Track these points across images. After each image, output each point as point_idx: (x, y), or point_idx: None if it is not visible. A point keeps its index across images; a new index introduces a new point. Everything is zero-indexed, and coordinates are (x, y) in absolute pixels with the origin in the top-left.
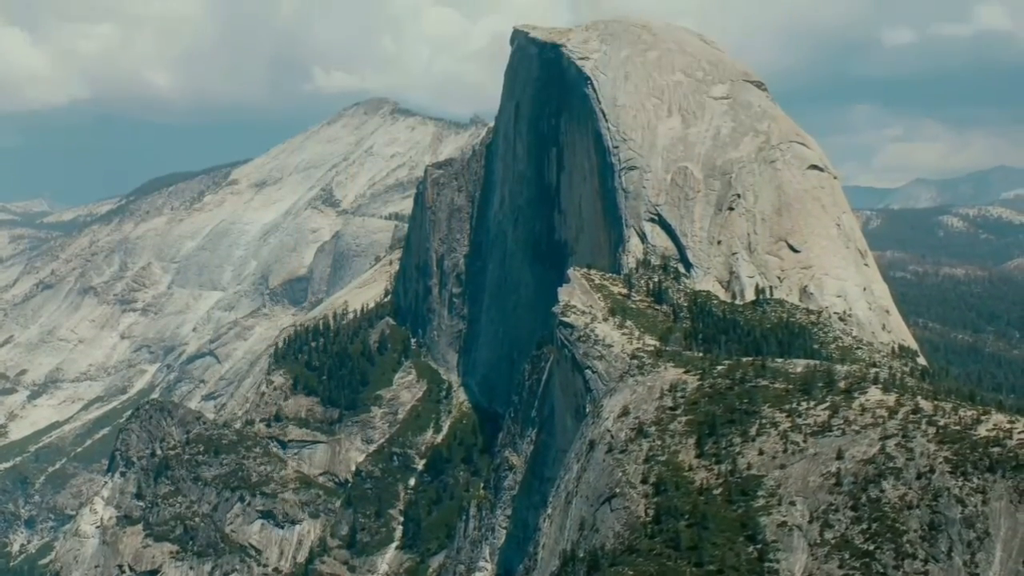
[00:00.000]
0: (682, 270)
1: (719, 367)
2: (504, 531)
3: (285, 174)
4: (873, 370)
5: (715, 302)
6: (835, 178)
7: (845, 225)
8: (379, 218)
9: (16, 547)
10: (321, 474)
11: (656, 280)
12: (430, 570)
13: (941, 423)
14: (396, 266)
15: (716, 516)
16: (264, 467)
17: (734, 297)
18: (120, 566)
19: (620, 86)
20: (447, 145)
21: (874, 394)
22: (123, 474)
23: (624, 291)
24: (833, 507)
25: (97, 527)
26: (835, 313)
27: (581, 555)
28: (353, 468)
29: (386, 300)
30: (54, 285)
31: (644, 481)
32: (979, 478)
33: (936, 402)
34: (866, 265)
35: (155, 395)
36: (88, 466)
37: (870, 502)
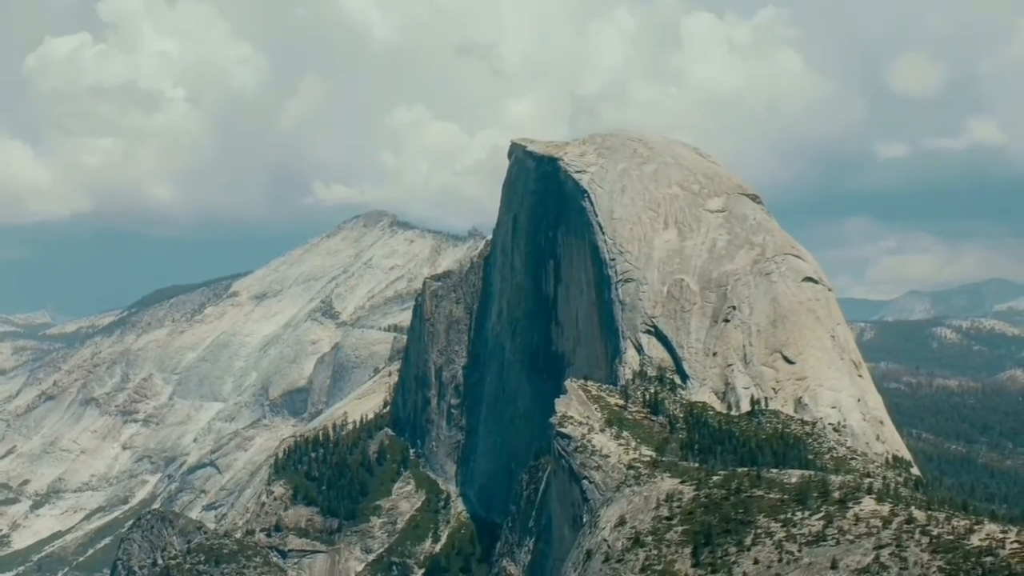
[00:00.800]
0: (678, 381)
1: (715, 477)
2: None
3: (285, 286)
4: (867, 480)
5: (711, 413)
6: (830, 290)
7: (840, 337)
8: (378, 330)
9: None
10: None
11: (652, 391)
12: None
13: (935, 533)
14: (395, 377)
15: None
16: None
17: (730, 408)
18: None
19: (617, 199)
20: (445, 257)
21: (868, 504)
22: None
23: (621, 402)
24: None
25: None
26: (830, 424)
27: None
28: None
29: (385, 411)
30: (56, 396)
31: None
32: None
33: (930, 512)
34: (860, 376)
35: (156, 505)
36: (90, 575)
37: None
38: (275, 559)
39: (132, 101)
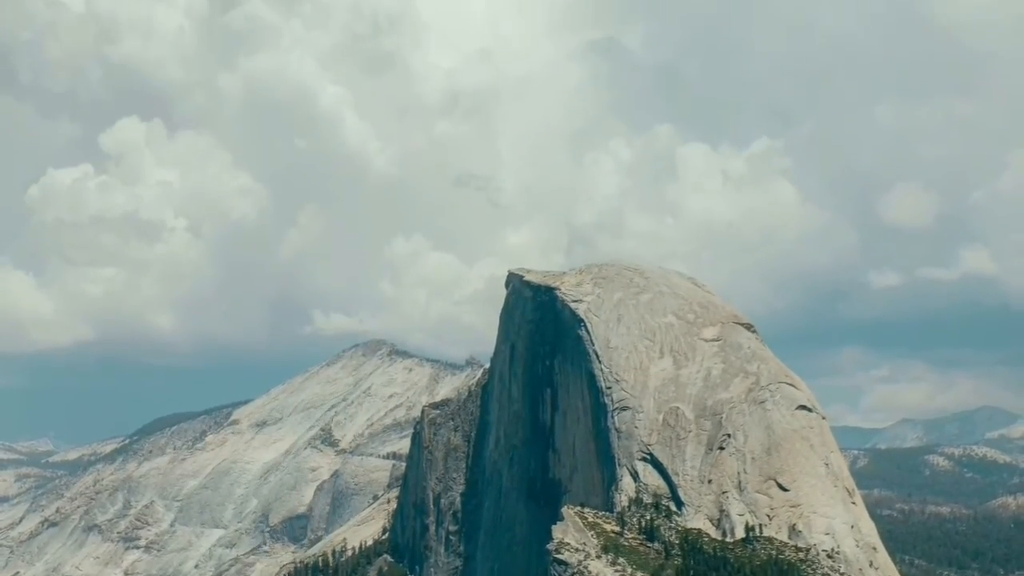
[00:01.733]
0: (673, 508)
1: None
2: None
3: (285, 414)
4: None
5: (706, 540)
6: (823, 419)
7: (833, 464)
8: (377, 457)
9: None
10: None
11: (648, 518)
12: None
13: None
14: (394, 504)
15: None
16: None
17: (724, 535)
18: None
19: (613, 328)
20: (444, 386)
21: None
22: None
23: (617, 529)
24: None
25: None
26: (823, 550)
27: None
28: None
29: (384, 537)
30: (59, 523)
31: None
32: None
33: None
34: (853, 503)
35: None
36: None
37: None
38: None
39: (134, 231)
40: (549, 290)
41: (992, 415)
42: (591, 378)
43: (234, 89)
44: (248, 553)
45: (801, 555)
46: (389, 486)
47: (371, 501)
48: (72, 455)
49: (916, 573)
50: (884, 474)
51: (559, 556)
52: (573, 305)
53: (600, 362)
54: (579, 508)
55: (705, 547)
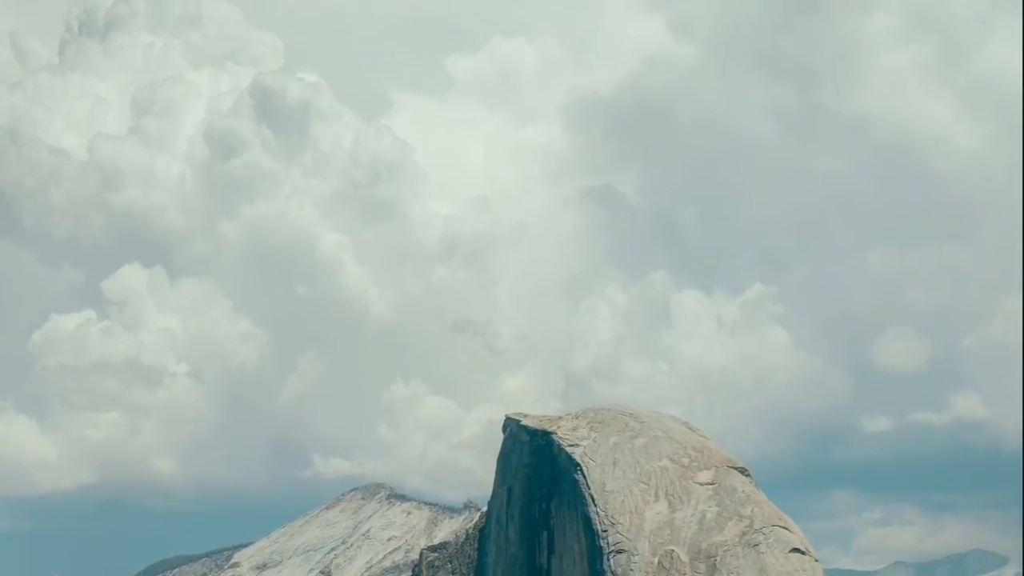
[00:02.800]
0: None
1: None
2: None
3: (285, 557)
4: None
5: None
6: (816, 561)
7: None
8: None
9: None
10: None
11: None
12: None
13: None
14: None
15: None
16: None
17: None
18: None
19: (609, 472)
20: (442, 529)
21: None
22: None
23: None
24: None
25: None
26: None
27: None
28: None
29: None
30: None
31: None
32: None
33: None
34: None
35: None
36: None
37: None
38: None
39: (136, 376)
40: (546, 434)
41: (983, 558)
42: (587, 521)
43: (235, 236)
44: None
45: None
46: None
47: None
48: None
49: None
50: None
51: None
52: (569, 449)
53: (596, 505)
54: None
55: None
